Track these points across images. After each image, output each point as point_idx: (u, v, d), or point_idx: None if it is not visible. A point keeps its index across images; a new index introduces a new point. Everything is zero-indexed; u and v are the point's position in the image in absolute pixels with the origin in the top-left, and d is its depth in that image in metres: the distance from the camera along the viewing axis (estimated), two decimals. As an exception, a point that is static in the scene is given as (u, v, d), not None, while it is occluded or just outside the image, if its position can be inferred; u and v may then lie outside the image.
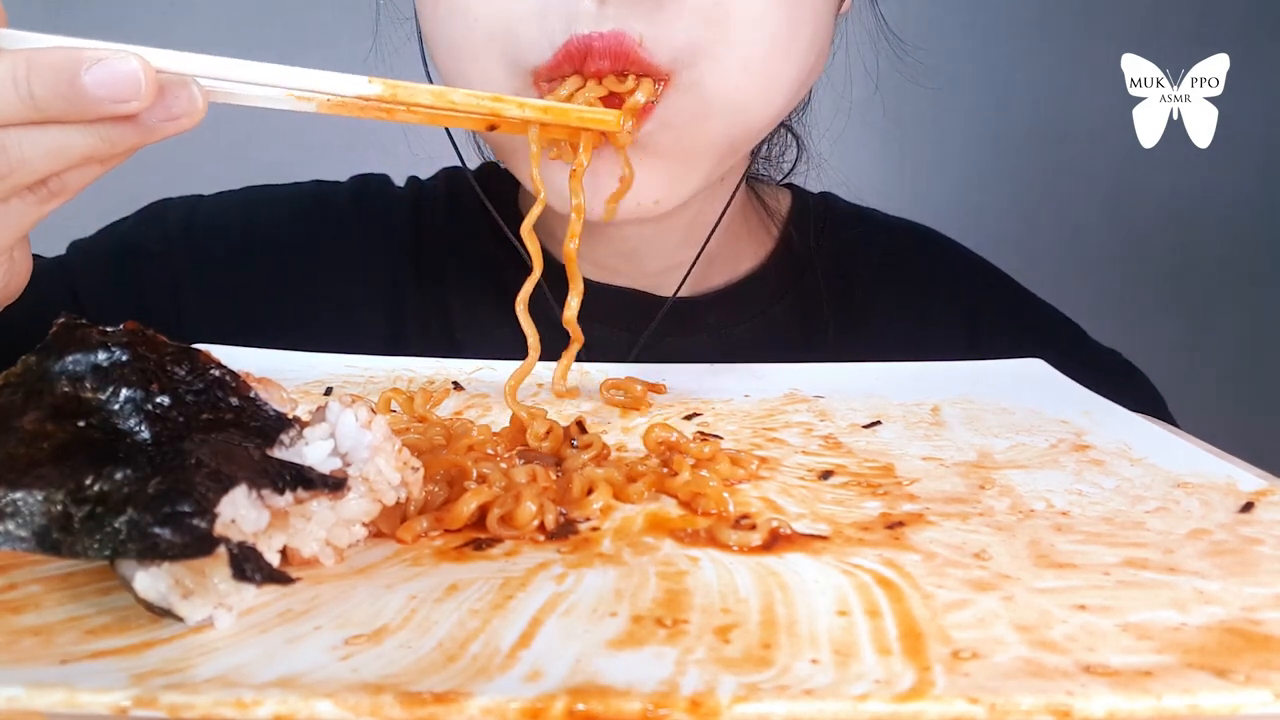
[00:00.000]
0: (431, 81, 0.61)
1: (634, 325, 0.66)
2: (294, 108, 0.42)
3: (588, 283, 0.51)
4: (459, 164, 0.69)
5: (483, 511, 0.34)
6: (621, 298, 0.67)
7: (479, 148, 0.73)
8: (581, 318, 0.50)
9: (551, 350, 0.51)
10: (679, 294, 0.66)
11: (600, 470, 0.38)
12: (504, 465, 0.38)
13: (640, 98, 0.49)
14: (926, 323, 0.73)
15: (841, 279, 0.72)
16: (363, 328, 0.68)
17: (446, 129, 0.65)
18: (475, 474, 0.37)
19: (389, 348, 0.62)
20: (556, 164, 0.53)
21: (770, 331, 0.70)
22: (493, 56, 0.51)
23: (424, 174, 0.77)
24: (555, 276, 0.52)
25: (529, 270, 0.49)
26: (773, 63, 0.52)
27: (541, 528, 0.34)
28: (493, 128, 0.46)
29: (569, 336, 0.50)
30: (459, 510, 0.34)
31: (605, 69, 0.48)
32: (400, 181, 0.76)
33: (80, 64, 0.35)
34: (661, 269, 0.68)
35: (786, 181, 0.78)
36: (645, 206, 0.55)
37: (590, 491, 0.37)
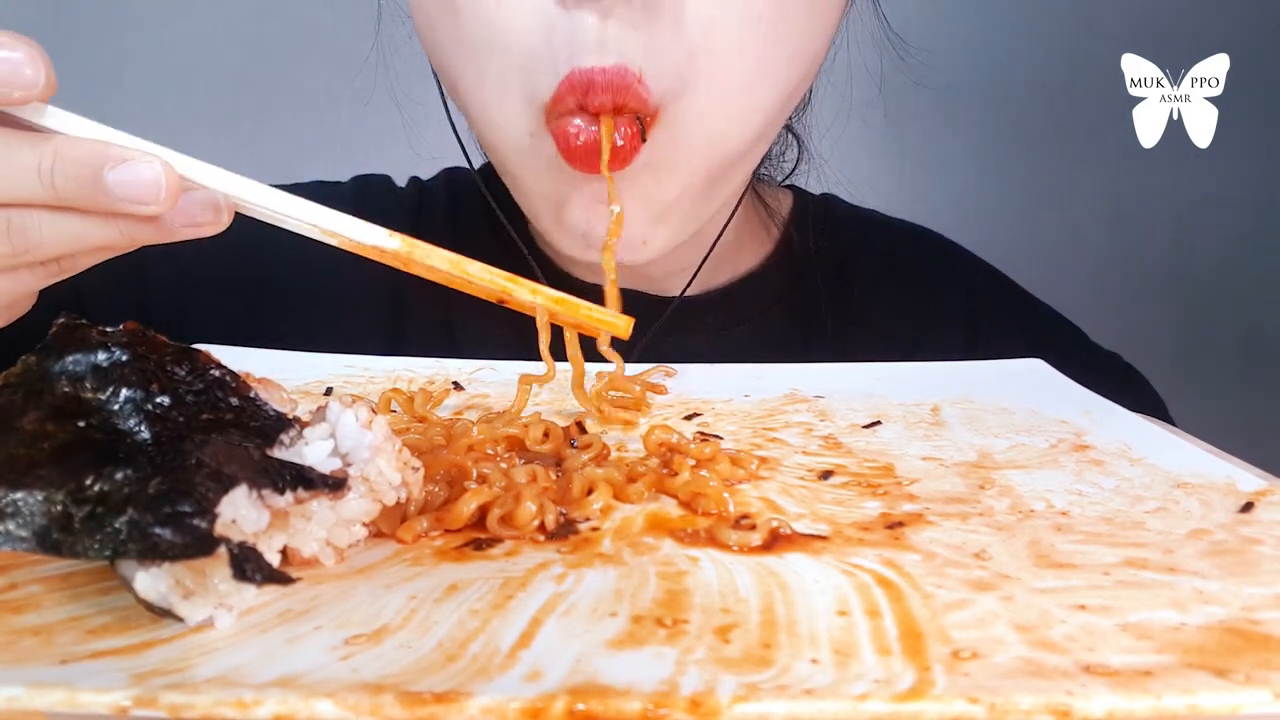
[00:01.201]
0: (441, 89, 0.61)
1: (634, 326, 0.66)
2: (320, 239, 0.42)
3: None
4: (460, 164, 0.69)
5: (483, 511, 0.34)
6: (621, 299, 0.67)
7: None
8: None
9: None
10: (682, 296, 0.66)
11: (600, 470, 0.38)
12: (504, 465, 0.38)
13: (619, 140, 0.50)
14: (926, 324, 0.73)
15: (842, 280, 0.72)
16: (363, 328, 0.68)
17: (451, 124, 0.65)
18: (475, 474, 0.37)
19: (389, 348, 0.62)
20: (574, 210, 0.54)
21: (770, 332, 0.70)
22: (511, 89, 0.52)
23: (425, 174, 0.77)
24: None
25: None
26: (751, 93, 0.52)
27: (541, 528, 0.34)
28: (503, 302, 0.46)
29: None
30: (459, 510, 0.34)
31: (607, 105, 0.49)
32: (401, 182, 0.76)
33: (105, 162, 0.35)
34: (662, 273, 0.68)
35: (788, 183, 0.78)
36: (634, 246, 0.55)
37: (590, 491, 0.37)
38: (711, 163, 0.54)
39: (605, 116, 0.49)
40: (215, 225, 0.39)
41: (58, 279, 0.40)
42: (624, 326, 0.47)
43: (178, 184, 0.37)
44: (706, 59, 0.50)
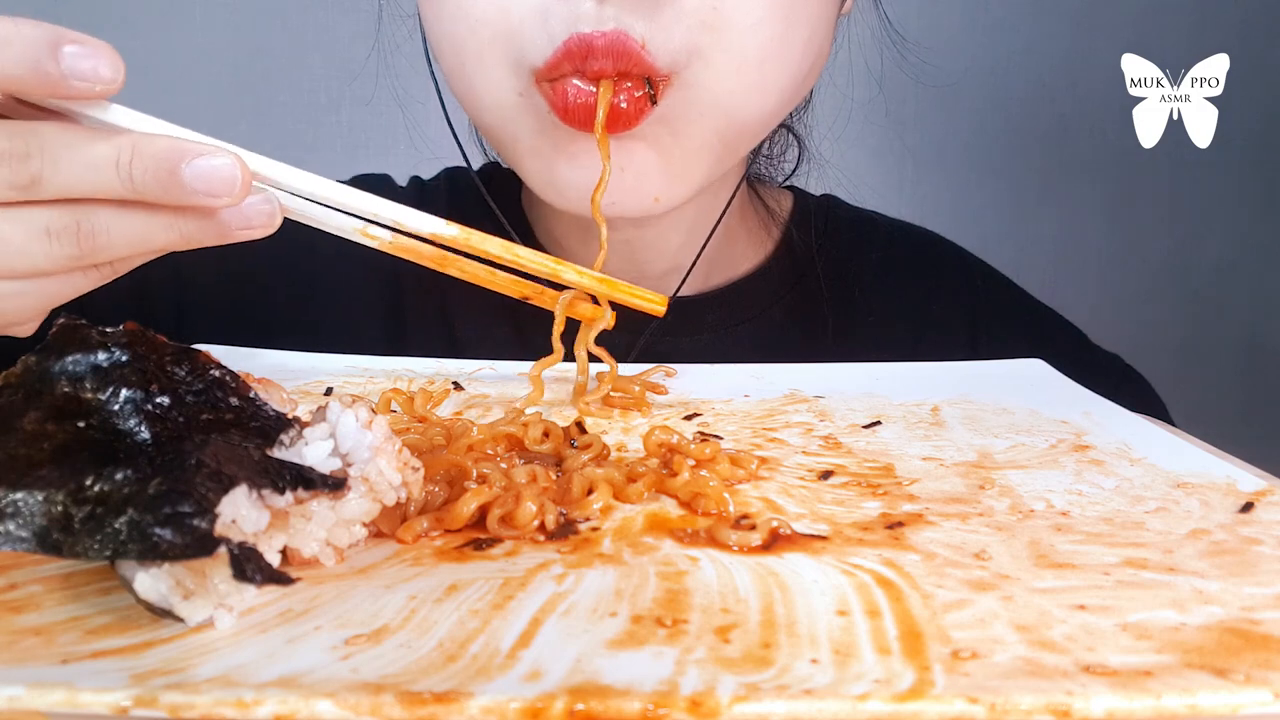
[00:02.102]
0: (435, 82, 0.61)
1: (634, 326, 0.66)
2: (362, 241, 0.45)
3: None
4: (461, 164, 0.69)
5: (483, 511, 0.34)
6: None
7: (483, 148, 0.73)
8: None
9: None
10: (679, 294, 0.66)
11: (600, 470, 0.38)
12: (504, 465, 0.38)
13: (621, 102, 0.50)
14: (926, 326, 0.73)
15: (842, 280, 0.72)
16: (363, 328, 0.68)
17: (449, 124, 0.65)
18: (475, 474, 0.37)
19: (389, 348, 0.62)
20: (570, 168, 0.53)
21: (770, 332, 0.70)
22: (496, 58, 0.51)
23: (426, 174, 0.77)
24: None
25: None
26: (765, 67, 0.52)
27: (541, 528, 0.34)
28: (527, 298, 0.51)
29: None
30: (459, 510, 0.34)
31: (607, 69, 0.48)
32: (402, 181, 0.76)
33: (183, 156, 0.36)
34: (663, 272, 0.68)
35: (788, 184, 0.78)
36: (646, 203, 0.55)
37: (590, 491, 0.37)
38: (724, 133, 0.54)
39: (605, 81, 0.49)
40: (268, 228, 0.40)
41: (102, 283, 0.41)
42: (660, 303, 0.50)
43: (249, 177, 0.38)
44: (717, 33, 0.50)
